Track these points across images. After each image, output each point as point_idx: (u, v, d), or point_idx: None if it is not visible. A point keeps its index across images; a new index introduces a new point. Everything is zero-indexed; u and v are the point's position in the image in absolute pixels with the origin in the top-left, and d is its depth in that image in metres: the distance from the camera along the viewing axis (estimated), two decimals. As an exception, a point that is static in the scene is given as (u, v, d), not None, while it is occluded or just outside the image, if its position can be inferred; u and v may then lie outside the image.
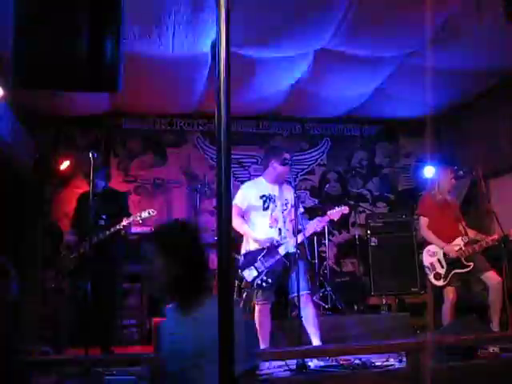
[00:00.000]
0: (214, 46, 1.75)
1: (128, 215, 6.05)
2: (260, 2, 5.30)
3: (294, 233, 5.23)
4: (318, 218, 5.45)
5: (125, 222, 5.91)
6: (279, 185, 5.57)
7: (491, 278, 5.80)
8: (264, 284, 5.19)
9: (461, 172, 6.72)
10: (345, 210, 5.48)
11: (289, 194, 5.56)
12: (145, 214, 6.04)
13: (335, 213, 5.42)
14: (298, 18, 5.72)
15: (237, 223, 5.40)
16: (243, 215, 5.55)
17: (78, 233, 6.08)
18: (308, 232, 5.33)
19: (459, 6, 5.46)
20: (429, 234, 6.09)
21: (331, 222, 5.56)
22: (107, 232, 5.85)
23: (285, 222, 5.41)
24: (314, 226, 5.42)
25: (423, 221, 6.19)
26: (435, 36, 6.21)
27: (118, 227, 5.86)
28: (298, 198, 5.39)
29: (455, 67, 7.02)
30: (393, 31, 6.11)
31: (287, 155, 5.58)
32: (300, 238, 5.05)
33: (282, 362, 4.13)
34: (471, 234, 6.05)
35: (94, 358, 3.71)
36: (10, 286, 2.80)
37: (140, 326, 7.50)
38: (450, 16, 5.75)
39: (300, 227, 5.10)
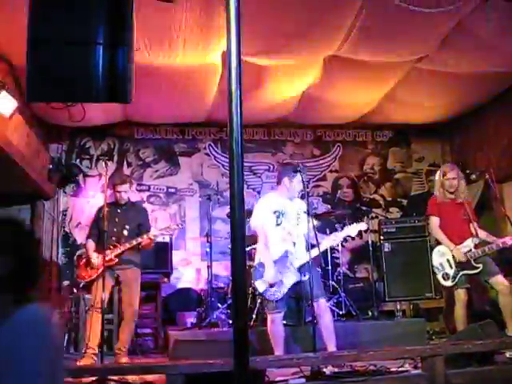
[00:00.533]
0: (225, 54, 1.77)
1: (148, 228, 6.23)
2: (270, 8, 5.32)
3: (308, 247, 5.11)
4: (335, 234, 5.46)
5: (155, 232, 6.18)
6: (291, 199, 5.54)
7: (498, 282, 5.77)
8: (274, 296, 5.21)
9: (473, 175, 6.69)
10: (362, 226, 5.46)
11: (301, 207, 5.52)
12: (173, 226, 6.59)
13: (352, 229, 5.39)
14: (308, 24, 5.74)
15: (261, 249, 5.46)
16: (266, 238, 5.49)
17: (98, 243, 6.10)
18: (323, 247, 5.35)
19: (470, 10, 5.45)
20: (440, 234, 6.07)
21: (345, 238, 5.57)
22: (134, 241, 5.99)
23: (298, 236, 5.35)
24: (329, 241, 5.50)
25: (434, 220, 6.17)
26: (446, 40, 6.21)
27: (146, 237, 6.02)
28: (309, 212, 5.32)
29: (467, 71, 7.00)
30: (403, 36, 6.11)
31: (300, 171, 5.52)
32: (314, 253, 5.07)
33: (297, 369, 4.13)
34: (482, 235, 6.01)
35: (110, 367, 3.73)
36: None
37: (155, 335, 7.53)
38: (461, 19, 5.74)
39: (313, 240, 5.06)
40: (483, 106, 8.53)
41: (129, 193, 6.36)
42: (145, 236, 6.02)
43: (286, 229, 5.40)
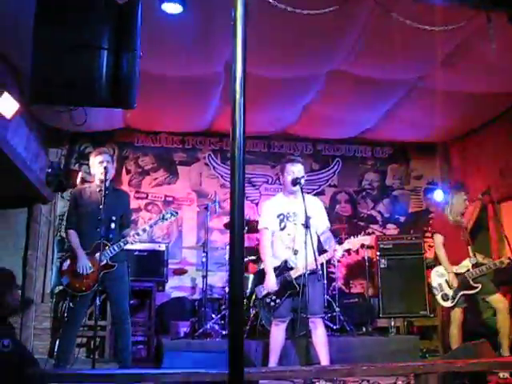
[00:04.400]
0: (228, 64, 1.78)
1: (130, 218, 5.71)
2: (274, 22, 5.34)
3: (312, 256, 4.86)
4: (334, 248, 5.14)
5: (146, 226, 5.44)
6: (298, 198, 5.08)
7: (497, 300, 5.79)
8: (272, 303, 5.15)
9: (480, 196, 6.73)
10: (365, 240, 5.23)
11: (313, 208, 5.22)
12: (168, 215, 5.51)
13: (355, 242, 5.13)
14: (311, 38, 5.77)
15: (263, 250, 5.33)
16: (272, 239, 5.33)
17: (86, 240, 5.29)
18: (322, 259, 5.25)
19: (473, 29, 5.48)
20: (442, 254, 6.09)
21: (349, 249, 5.29)
22: (129, 238, 5.30)
23: (305, 243, 4.78)
24: (329, 255, 5.28)
25: (439, 238, 6.19)
26: (447, 59, 6.24)
27: (139, 231, 5.35)
28: (307, 225, 4.83)
29: (467, 90, 7.03)
30: (406, 54, 6.13)
31: (291, 161, 5.33)
32: (313, 265, 4.83)
33: (290, 382, 4.11)
34: (479, 257, 6.06)
35: (101, 374, 3.71)
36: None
37: (147, 343, 7.50)
38: (462, 39, 5.78)
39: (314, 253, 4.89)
40: (483, 126, 8.57)
41: (112, 171, 5.62)
42: (138, 232, 5.33)
43: (290, 234, 5.23)
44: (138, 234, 5.33)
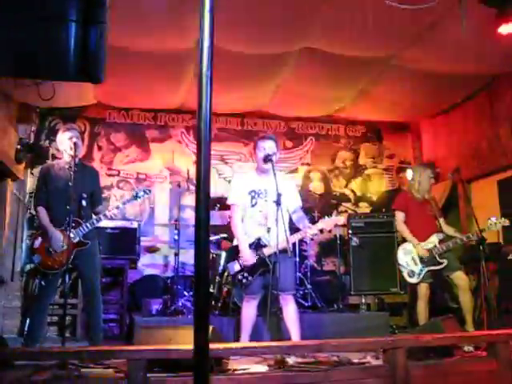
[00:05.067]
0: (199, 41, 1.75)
1: (101, 196, 5.62)
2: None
3: (286, 232, 4.78)
4: (309, 226, 5.11)
5: (119, 204, 5.31)
6: (270, 175, 4.98)
7: (459, 278, 5.88)
8: (244, 280, 5.15)
9: (449, 175, 6.79)
10: (339, 220, 5.21)
11: (285, 187, 5.12)
12: (141, 193, 5.43)
13: (328, 222, 5.10)
14: (284, 15, 5.73)
15: (234, 225, 5.28)
16: (242, 215, 5.30)
17: (56, 217, 5.17)
18: (295, 238, 5.21)
19: (445, 9, 5.49)
20: (404, 230, 6.16)
21: (321, 230, 5.27)
22: (102, 217, 5.20)
23: (277, 220, 4.69)
24: (302, 234, 5.20)
25: (399, 215, 6.25)
26: (420, 38, 6.25)
27: (112, 210, 5.22)
28: (278, 202, 4.75)
29: (440, 70, 7.06)
30: (379, 32, 6.13)
31: (263, 138, 5.27)
32: (285, 244, 4.76)
33: (261, 358, 4.14)
34: (449, 231, 6.12)
35: (70, 351, 3.69)
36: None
37: (120, 321, 7.48)
38: (435, 18, 5.79)
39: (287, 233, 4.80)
40: (454, 106, 8.65)
41: (81, 148, 5.53)
42: (110, 210, 5.20)
43: (262, 211, 5.20)
44: (111, 211, 5.26)
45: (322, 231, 5.39)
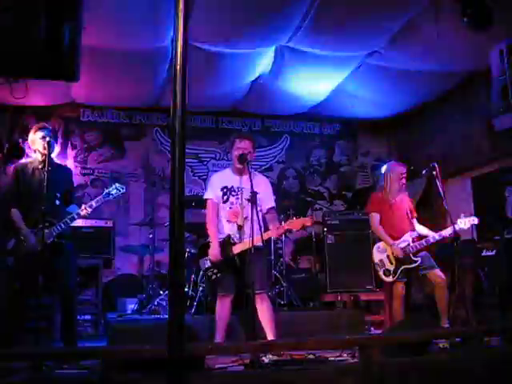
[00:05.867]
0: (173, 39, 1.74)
1: (74, 194, 5.58)
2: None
3: (256, 230, 4.72)
4: (277, 226, 5.15)
5: (93, 203, 5.17)
6: (246, 174, 5.04)
7: (436, 275, 5.93)
8: (213, 277, 5.14)
9: (423, 171, 6.84)
10: (307, 221, 5.17)
11: (260, 186, 5.13)
12: (114, 191, 5.33)
13: (295, 223, 5.10)
14: (259, 13, 5.73)
15: (208, 221, 5.27)
16: (218, 210, 5.29)
17: (30, 217, 5.04)
18: (263, 238, 5.20)
19: (420, 8, 5.54)
20: (379, 231, 6.18)
21: (289, 230, 5.24)
22: (75, 216, 5.08)
23: (248, 218, 4.78)
24: (270, 234, 5.25)
25: (374, 217, 6.27)
26: (396, 37, 6.30)
27: (85, 209, 5.10)
28: (253, 201, 4.77)
29: (414, 68, 7.13)
30: (354, 31, 6.17)
31: (238, 137, 5.27)
32: (257, 242, 4.72)
33: (236, 357, 4.14)
34: (422, 230, 6.17)
35: (44, 352, 3.64)
36: None
37: (95, 321, 7.41)
38: (410, 18, 5.84)
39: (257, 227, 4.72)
40: (429, 104, 8.72)
41: (54, 146, 5.33)
42: (83, 209, 5.08)
43: (232, 208, 5.20)
44: (85, 210, 5.19)
45: (290, 231, 5.36)
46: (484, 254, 6.72)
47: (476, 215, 6.04)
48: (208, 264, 5.18)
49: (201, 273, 6.59)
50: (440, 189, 5.97)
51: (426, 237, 6.00)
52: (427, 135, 8.96)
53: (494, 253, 6.56)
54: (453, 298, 6.10)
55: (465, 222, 5.85)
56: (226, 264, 5.11)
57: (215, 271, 5.14)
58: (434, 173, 6.13)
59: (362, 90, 8.06)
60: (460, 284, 5.80)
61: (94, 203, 5.29)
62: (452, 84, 7.94)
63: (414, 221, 6.23)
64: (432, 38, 6.04)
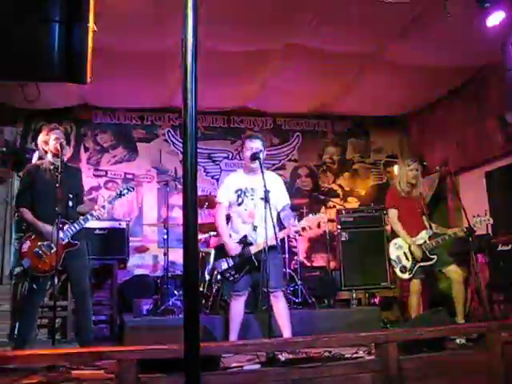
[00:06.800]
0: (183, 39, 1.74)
1: (83, 195, 5.56)
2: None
3: (272, 229, 4.74)
4: (293, 224, 5.16)
5: (106, 203, 5.23)
6: (258, 174, 5.02)
7: (453, 271, 5.90)
8: (231, 278, 5.16)
9: (437, 168, 6.80)
10: (322, 218, 5.28)
11: (273, 185, 5.21)
12: (125, 191, 5.39)
13: (312, 220, 5.13)
14: (270, 10, 5.73)
15: (219, 225, 5.34)
16: (228, 214, 5.40)
17: (43, 219, 5.03)
18: (280, 236, 5.22)
19: (426, 4, 5.51)
20: (398, 227, 6.15)
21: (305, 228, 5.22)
22: (89, 217, 5.11)
23: (263, 218, 4.70)
24: (287, 232, 5.34)
25: (392, 213, 6.24)
26: (405, 33, 6.27)
27: (98, 209, 5.14)
28: (267, 199, 4.75)
29: (423, 64, 7.08)
30: (362, 28, 6.14)
31: (250, 137, 5.34)
32: (272, 241, 4.77)
33: (253, 355, 4.13)
34: (434, 227, 6.14)
35: (61, 353, 3.66)
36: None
37: (110, 322, 7.44)
38: (417, 13, 5.81)
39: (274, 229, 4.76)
40: (440, 100, 8.68)
41: (66, 148, 5.34)
42: (96, 210, 5.13)
43: (247, 210, 5.25)
44: (98, 211, 5.21)
45: (305, 229, 5.37)
46: (499, 249, 6.68)
47: (490, 210, 6.01)
48: (225, 265, 5.20)
49: (214, 272, 6.61)
50: (453, 184, 5.96)
51: (441, 234, 5.97)
52: (438, 131, 8.91)
53: (509, 247, 6.52)
54: (468, 293, 6.08)
55: (480, 222, 5.81)
56: (243, 264, 5.14)
57: (233, 272, 5.16)
58: (447, 168, 6.11)
59: (374, 86, 8.01)
60: (476, 279, 5.77)
61: (106, 204, 5.32)
62: (462, 80, 7.89)
63: (425, 219, 6.20)
64: (442, 33, 6.00)
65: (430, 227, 6.09)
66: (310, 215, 5.22)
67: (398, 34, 6.35)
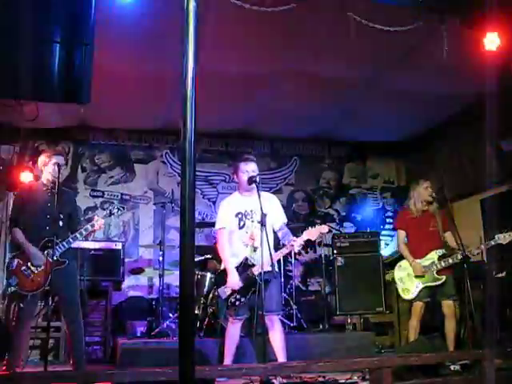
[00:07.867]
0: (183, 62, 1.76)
1: (78, 217, 5.64)
2: (233, 20, 5.34)
3: (270, 251, 4.82)
4: (293, 239, 5.12)
5: (96, 223, 5.21)
6: (255, 194, 5.02)
7: (448, 306, 5.89)
8: (237, 302, 5.12)
9: (434, 194, 6.79)
10: (323, 229, 5.23)
11: (269, 205, 5.22)
12: (115, 210, 5.50)
13: (313, 232, 5.13)
14: (269, 36, 5.78)
15: (222, 249, 5.29)
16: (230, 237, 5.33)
17: (33, 239, 5.09)
18: (282, 254, 5.21)
19: (428, 31, 5.57)
20: (403, 249, 6.15)
21: (308, 241, 5.21)
22: (78, 235, 5.14)
23: (262, 240, 4.74)
24: (290, 248, 5.20)
25: (400, 234, 6.25)
26: (404, 59, 6.33)
27: (91, 228, 5.20)
28: (263, 223, 4.76)
29: (421, 91, 7.13)
30: (361, 54, 6.20)
31: (245, 160, 5.31)
32: (266, 264, 4.78)
33: (247, 379, 4.11)
34: (452, 243, 6.02)
35: (53, 375, 3.64)
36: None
37: (104, 344, 7.39)
38: (419, 40, 5.87)
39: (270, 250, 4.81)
40: (438, 127, 8.71)
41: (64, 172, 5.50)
42: (94, 223, 5.19)
43: (248, 232, 5.21)
44: (86, 230, 5.23)
45: (307, 243, 5.34)
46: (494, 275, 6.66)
47: (485, 237, 5.99)
48: (229, 292, 5.16)
49: (210, 296, 6.59)
50: (449, 211, 5.95)
51: (453, 254, 5.88)
52: (436, 158, 8.95)
53: (504, 274, 6.51)
54: (463, 320, 6.04)
55: (504, 237, 5.70)
56: (247, 287, 5.09)
57: (238, 296, 5.12)
58: (442, 194, 6.12)
59: (370, 112, 8.06)
60: (470, 306, 5.74)
61: (94, 223, 5.32)
62: (459, 107, 7.94)
63: (448, 234, 6.10)
64: (438, 60, 6.06)
65: (442, 247, 6.01)
66: (310, 228, 5.20)
67: (397, 60, 6.41)
